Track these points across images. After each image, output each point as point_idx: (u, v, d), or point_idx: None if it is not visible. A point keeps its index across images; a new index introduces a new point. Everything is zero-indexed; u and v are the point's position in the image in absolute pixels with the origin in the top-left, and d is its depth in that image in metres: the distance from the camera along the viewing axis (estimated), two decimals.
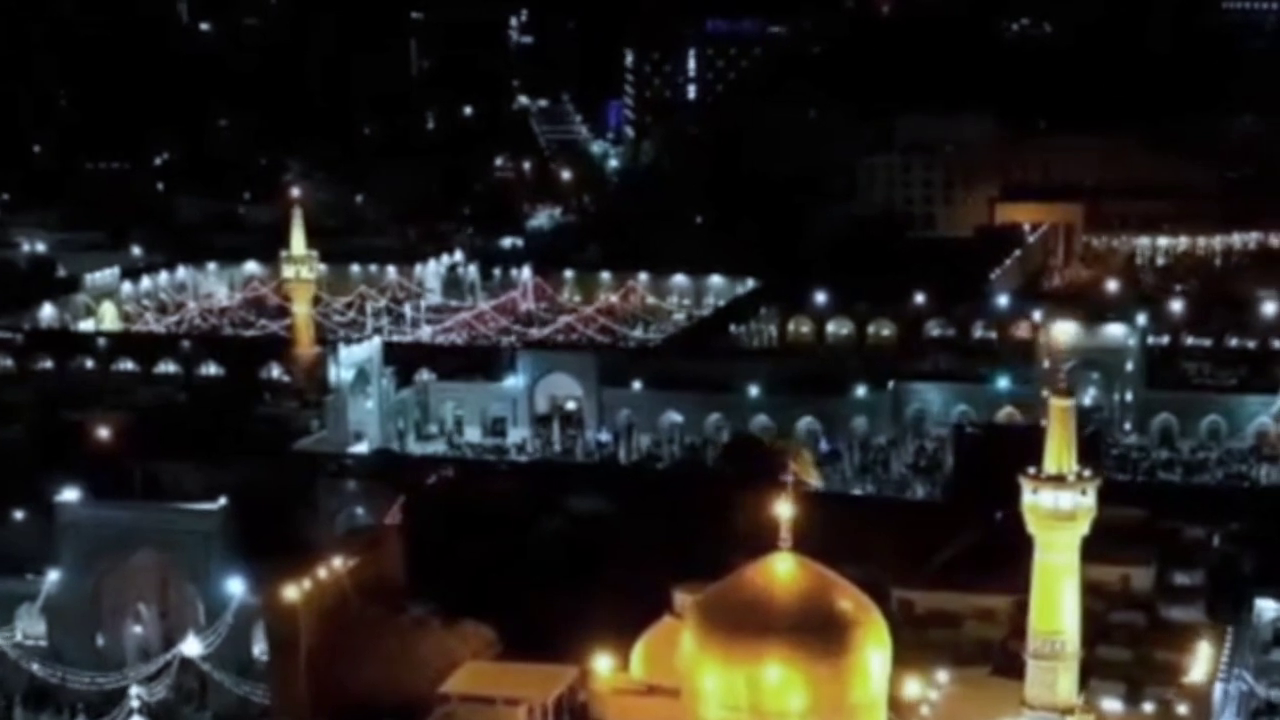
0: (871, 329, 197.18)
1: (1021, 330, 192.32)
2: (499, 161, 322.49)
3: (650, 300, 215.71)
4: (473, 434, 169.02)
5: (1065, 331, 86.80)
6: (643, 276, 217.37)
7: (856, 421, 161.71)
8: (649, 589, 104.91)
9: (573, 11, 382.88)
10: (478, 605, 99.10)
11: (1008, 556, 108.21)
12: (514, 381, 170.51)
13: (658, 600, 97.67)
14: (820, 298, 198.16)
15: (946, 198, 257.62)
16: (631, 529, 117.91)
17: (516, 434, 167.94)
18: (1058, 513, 78.91)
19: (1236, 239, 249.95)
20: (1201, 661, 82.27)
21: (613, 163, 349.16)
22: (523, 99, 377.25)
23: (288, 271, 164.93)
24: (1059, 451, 79.65)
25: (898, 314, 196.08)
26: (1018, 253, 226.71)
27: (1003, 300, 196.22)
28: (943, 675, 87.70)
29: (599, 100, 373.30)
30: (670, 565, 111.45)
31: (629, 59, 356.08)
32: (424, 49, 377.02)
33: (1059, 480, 79.12)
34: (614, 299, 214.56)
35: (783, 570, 76.08)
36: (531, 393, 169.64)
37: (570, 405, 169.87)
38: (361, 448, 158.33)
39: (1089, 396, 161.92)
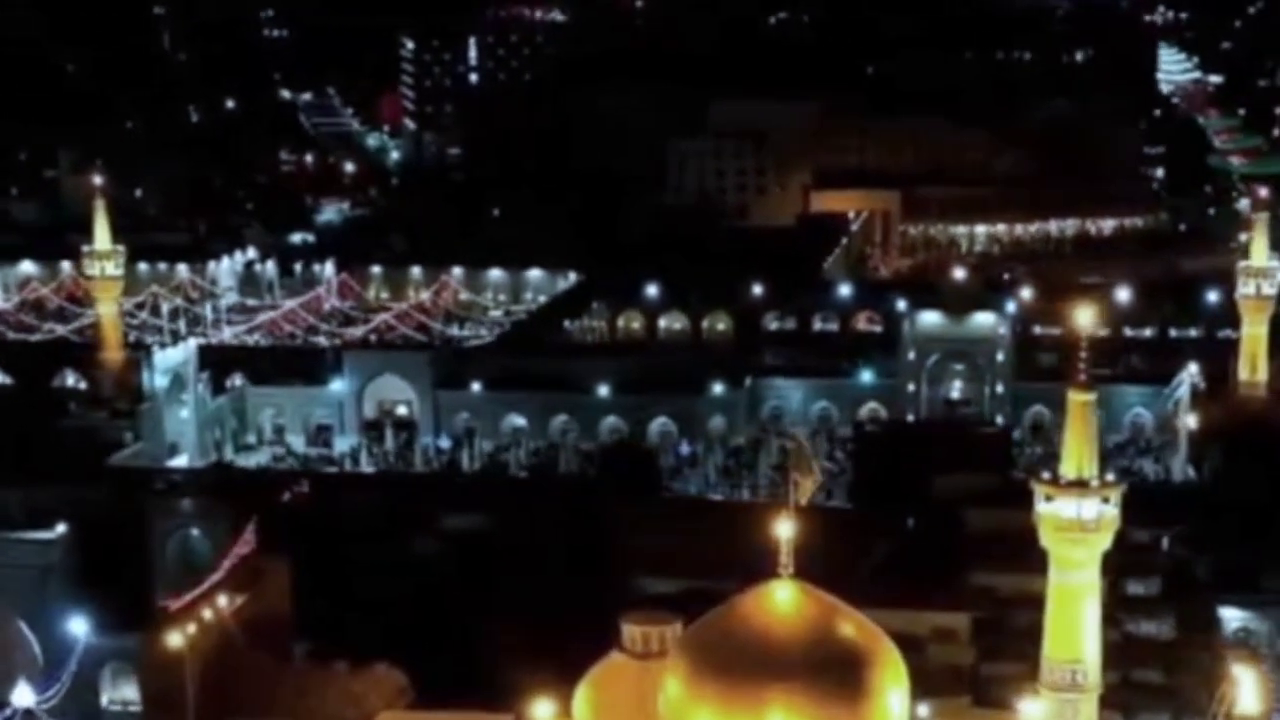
0: (706, 323, 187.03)
1: (864, 321, 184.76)
2: (283, 155, 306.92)
3: (464, 296, 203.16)
4: (295, 443, 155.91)
5: (1087, 316, 75.49)
6: (456, 271, 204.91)
7: (714, 421, 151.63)
8: (558, 617, 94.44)
9: (338, 4, 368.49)
10: (370, 642, 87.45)
11: (936, 567, 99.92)
12: (339, 385, 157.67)
13: (576, 631, 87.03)
14: (652, 291, 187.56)
15: (760, 185, 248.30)
16: (517, 548, 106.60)
17: (344, 442, 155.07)
18: (1080, 524, 68.69)
19: (1054, 225, 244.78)
20: (1248, 688, 72.59)
21: (394, 155, 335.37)
22: (284, 93, 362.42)
23: (91, 268, 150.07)
24: (1079, 452, 69.52)
25: (733, 307, 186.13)
26: (845, 241, 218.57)
27: (845, 290, 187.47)
28: (923, 709, 77.31)
29: (372, 92, 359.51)
30: (572, 589, 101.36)
31: (408, 47, 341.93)
32: (175, 44, 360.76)
33: (1081, 486, 68.79)
34: (425, 296, 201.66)
35: (785, 601, 64.84)
36: (359, 397, 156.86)
37: (402, 410, 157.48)
38: (181, 461, 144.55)
39: (955, 389, 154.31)
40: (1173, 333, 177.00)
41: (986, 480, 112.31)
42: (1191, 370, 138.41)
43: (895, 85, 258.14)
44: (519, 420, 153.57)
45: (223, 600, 79.04)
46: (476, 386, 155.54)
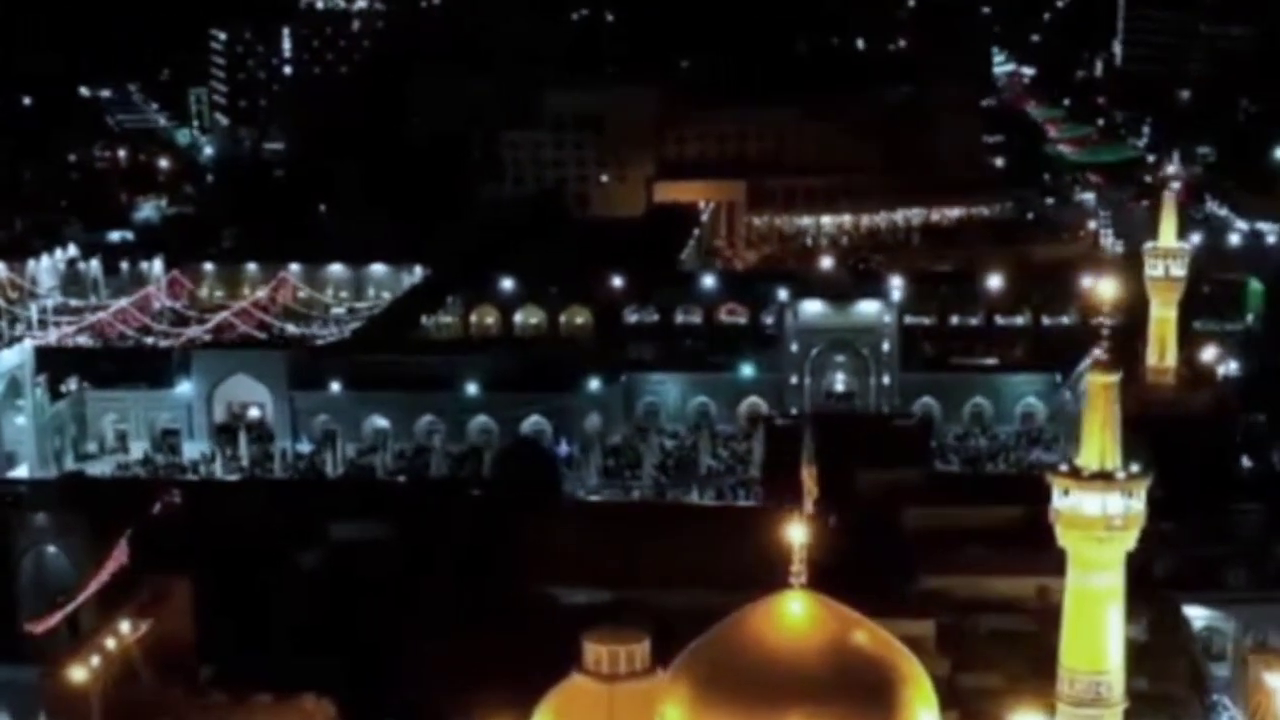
0: (565, 318, 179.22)
1: (725, 313, 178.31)
2: (96, 151, 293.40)
3: (304, 293, 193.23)
4: (140, 449, 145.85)
5: (1108, 288, 69.14)
6: (294, 267, 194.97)
7: (590, 419, 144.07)
8: (476, 633, 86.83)
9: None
10: (280, 668, 78.90)
11: (878, 570, 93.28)
12: (186, 388, 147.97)
13: (501, 648, 79.86)
14: (507, 285, 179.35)
15: (601, 176, 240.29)
16: (417, 559, 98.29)
17: (193, 448, 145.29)
18: (1105, 522, 61.95)
19: (900, 215, 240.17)
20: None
21: (208, 150, 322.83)
22: (83, 89, 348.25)
23: None
24: (1102, 441, 62.61)
25: (592, 301, 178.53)
26: (697, 233, 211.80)
27: (708, 281, 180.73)
28: None
29: (178, 86, 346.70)
30: (482, 602, 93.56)
31: (220, 40, 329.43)
32: None
33: (1105, 479, 62.02)
34: (262, 294, 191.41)
35: (799, 614, 57.59)
36: (209, 400, 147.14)
37: (254, 412, 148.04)
38: (20, 471, 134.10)
39: (839, 381, 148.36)
40: (1045, 321, 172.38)
41: (913, 475, 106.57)
42: (1095, 354, 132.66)
43: (733, 74, 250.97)
44: (382, 422, 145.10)
45: (125, 627, 69.89)
46: (335, 387, 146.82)
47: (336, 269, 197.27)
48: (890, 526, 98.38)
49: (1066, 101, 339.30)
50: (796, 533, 58.47)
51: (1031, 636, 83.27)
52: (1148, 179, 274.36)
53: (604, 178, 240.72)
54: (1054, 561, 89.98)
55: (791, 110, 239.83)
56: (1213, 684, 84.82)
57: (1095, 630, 62.85)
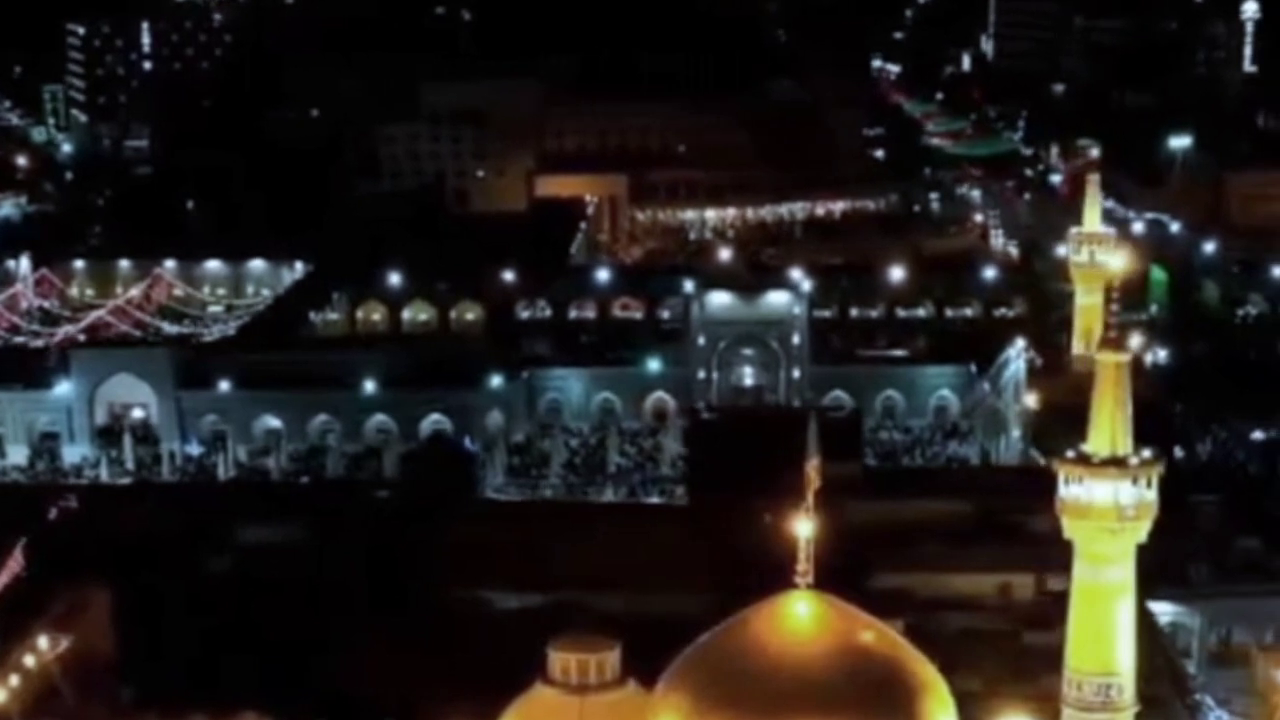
0: (455, 313, 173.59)
1: (619, 308, 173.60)
2: None
3: (180, 291, 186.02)
4: (18, 454, 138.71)
5: (1117, 258, 64.95)
6: (169, 264, 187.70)
7: (491, 417, 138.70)
8: (405, 641, 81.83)
9: None
10: (196, 678, 73.39)
11: (829, 567, 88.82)
12: (65, 388, 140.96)
13: (435, 656, 75.31)
14: (394, 280, 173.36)
15: (478, 171, 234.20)
16: (332, 562, 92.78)
17: (74, 451, 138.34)
18: (1118, 511, 57.67)
19: (785, 209, 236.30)
20: None
21: (66, 148, 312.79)
22: None
23: None
24: (1111, 425, 58.18)
25: (483, 296, 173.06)
26: (584, 226, 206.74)
27: (603, 275, 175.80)
28: None
29: (32, 83, 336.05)
30: (406, 608, 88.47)
31: (79, 34, 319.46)
32: None
33: (1118, 466, 57.70)
34: (135, 292, 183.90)
35: (806, 617, 53.04)
36: (90, 401, 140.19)
37: (138, 413, 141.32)
38: None
39: (748, 375, 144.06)
40: (949, 313, 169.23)
41: (848, 470, 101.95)
42: (1019, 346, 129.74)
43: (614, 69, 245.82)
44: (274, 422, 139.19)
45: (43, 643, 63.77)
46: (224, 386, 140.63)
47: (214, 266, 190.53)
48: (833, 523, 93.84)
49: (939, 96, 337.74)
50: (801, 528, 53.99)
51: (1005, 636, 79.79)
52: (1028, 172, 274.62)
53: (480, 172, 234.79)
54: (1017, 557, 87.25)
55: (674, 104, 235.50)
56: (1193, 683, 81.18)
57: (1105, 629, 58.87)
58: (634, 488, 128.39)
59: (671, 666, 53.73)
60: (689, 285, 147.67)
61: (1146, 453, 58.43)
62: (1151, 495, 58.28)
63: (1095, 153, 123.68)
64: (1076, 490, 58.46)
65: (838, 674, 51.57)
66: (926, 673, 52.86)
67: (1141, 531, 58.29)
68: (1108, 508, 57.81)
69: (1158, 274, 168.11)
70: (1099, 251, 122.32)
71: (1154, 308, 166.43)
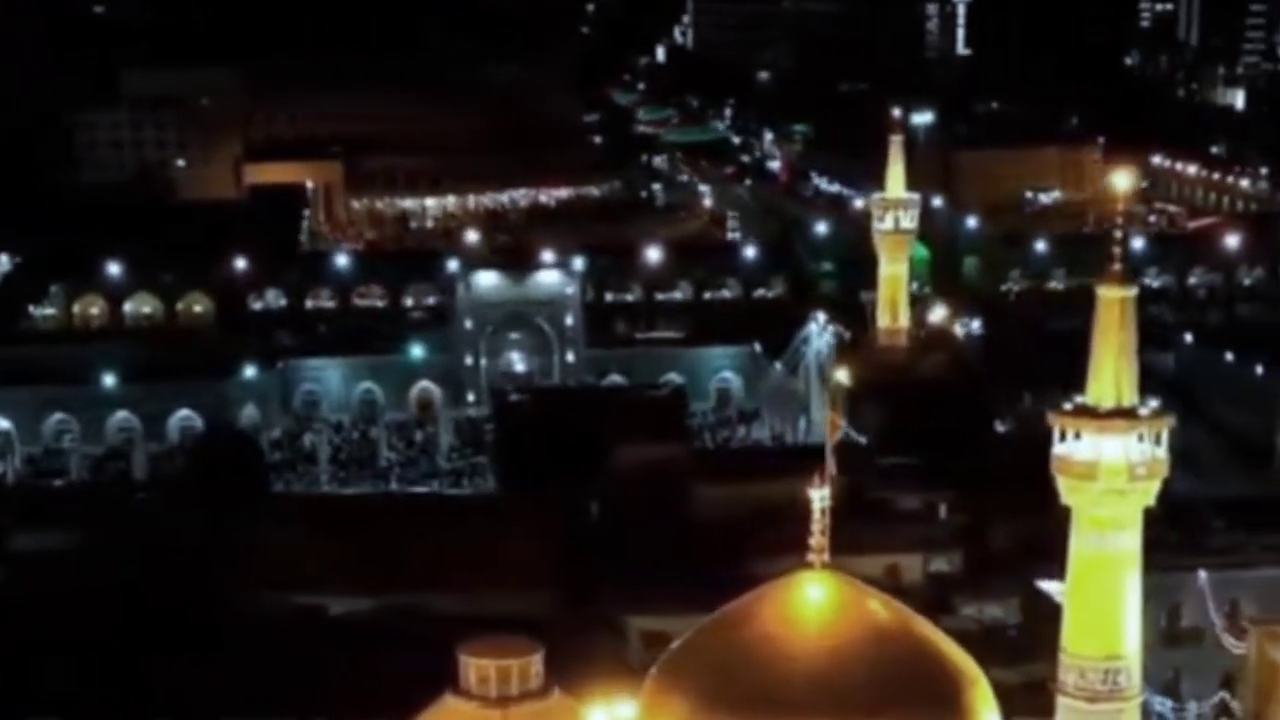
0: (182, 305, 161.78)
1: (358, 297, 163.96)
2: None
3: None
4: None
5: (1126, 177, 57.35)
6: None
7: (246, 411, 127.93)
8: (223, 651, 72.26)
9: None
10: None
11: (663, 553, 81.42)
12: None
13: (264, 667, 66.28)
14: (114, 272, 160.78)
15: (186, 159, 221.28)
16: (117, 568, 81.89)
17: None
18: (1128, 469, 50.06)
19: (506, 196, 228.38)
20: None
21: None
22: None
23: None
24: (1116, 372, 50.46)
25: (213, 287, 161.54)
26: (308, 213, 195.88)
27: (341, 262, 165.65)
28: None
29: None
30: (212, 615, 78.25)
31: None
32: None
33: (1127, 418, 50.13)
34: None
35: (824, 601, 44.80)
36: None
37: None
38: None
39: (518, 361, 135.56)
40: (707, 295, 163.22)
41: (677, 451, 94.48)
42: (820, 321, 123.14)
43: (326, 59, 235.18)
44: (2, 423, 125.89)
45: None
46: None
47: None
48: (672, 508, 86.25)
49: (641, 86, 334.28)
50: (817, 497, 45.62)
51: None
52: (745, 158, 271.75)
53: (180, 161, 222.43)
54: (903, 538, 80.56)
55: (389, 90, 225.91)
56: None
57: (1111, 606, 51.29)
58: (414, 482, 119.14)
59: (662, 661, 45.16)
60: (453, 265, 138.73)
61: (1154, 403, 51.18)
62: (1162, 452, 50.87)
63: (897, 113, 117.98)
64: (1076, 447, 50.82)
65: (863, 668, 43.54)
66: (969, 666, 44.86)
67: (1152, 493, 50.85)
68: (1118, 466, 50.15)
69: (920, 250, 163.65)
70: (904, 218, 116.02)
71: (916, 284, 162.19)
